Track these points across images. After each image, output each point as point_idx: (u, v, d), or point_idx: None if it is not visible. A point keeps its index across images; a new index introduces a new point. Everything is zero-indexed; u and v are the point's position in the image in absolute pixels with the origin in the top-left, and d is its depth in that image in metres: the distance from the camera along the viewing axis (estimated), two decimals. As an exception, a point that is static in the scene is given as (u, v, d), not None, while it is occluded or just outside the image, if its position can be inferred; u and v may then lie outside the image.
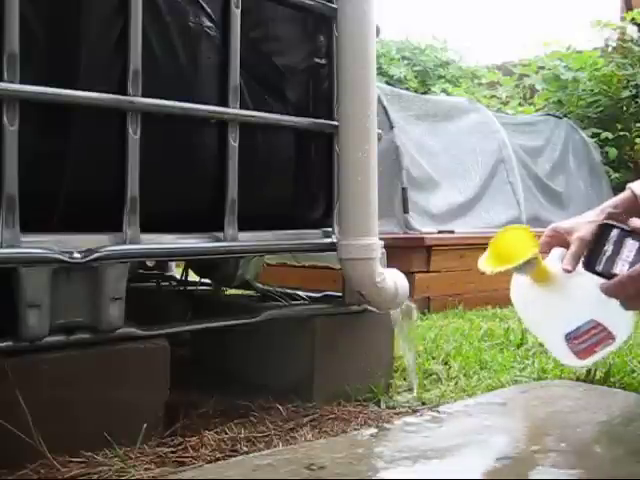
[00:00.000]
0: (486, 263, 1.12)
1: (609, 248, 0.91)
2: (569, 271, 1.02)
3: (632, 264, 0.89)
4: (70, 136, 1.05)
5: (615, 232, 0.91)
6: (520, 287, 1.15)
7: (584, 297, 1.05)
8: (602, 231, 0.91)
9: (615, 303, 0.94)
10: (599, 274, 0.91)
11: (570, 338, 1.09)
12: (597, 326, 1.05)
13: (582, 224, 1.19)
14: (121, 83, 1.08)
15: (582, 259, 0.94)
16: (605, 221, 0.93)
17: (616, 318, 1.04)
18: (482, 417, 1.08)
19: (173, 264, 2.10)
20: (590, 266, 0.91)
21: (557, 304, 1.06)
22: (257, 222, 1.31)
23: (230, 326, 1.29)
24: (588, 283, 0.99)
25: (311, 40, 1.40)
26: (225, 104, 1.22)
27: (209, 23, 1.20)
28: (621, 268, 0.89)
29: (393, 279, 1.35)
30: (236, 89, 1.23)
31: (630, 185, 1.27)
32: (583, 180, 4.03)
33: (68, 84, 1.03)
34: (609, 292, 0.91)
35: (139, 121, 1.09)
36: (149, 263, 1.98)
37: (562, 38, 5.60)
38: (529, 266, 1.08)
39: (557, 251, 1.16)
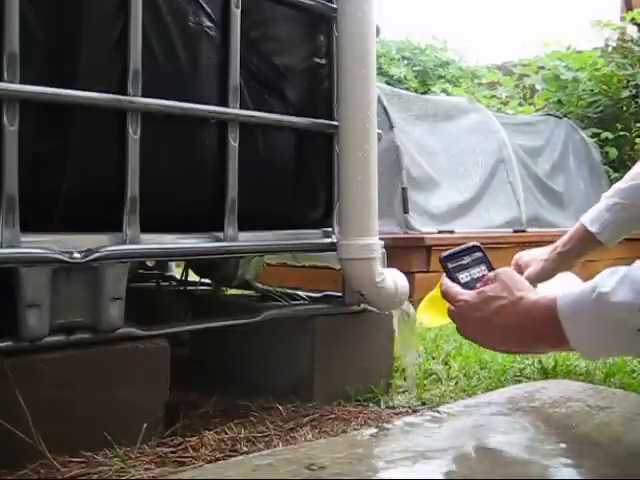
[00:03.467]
0: (424, 307, 1.23)
1: (467, 260, 1.05)
2: None
3: (471, 279, 1.03)
4: (70, 136, 1.05)
5: (478, 253, 1.06)
6: None
7: None
8: (471, 247, 1.07)
9: None
10: (446, 270, 1.03)
11: None
12: None
13: (536, 261, 1.43)
14: (121, 83, 1.08)
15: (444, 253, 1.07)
16: (475, 243, 1.08)
17: None
18: (482, 417, 1.08)
19: (173, 264, 2.10)
20: (446, 260, 1.04)
21: None
22: (257, 222, 1.31)
23: (230, 326, 1.29)
24: None
25: (311, 40, 1.40)
26: (225, 104, 1.22)
27: (209, 23, 1.20)
28: (463, 278, 1.03)
29: (393, 279, 1.35)
30: (236, 89, 1.23)
31: (582, 218, 1.38)
32: (583, 180, 4.03)
33: (68, 84, 1.03)
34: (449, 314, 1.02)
35: (139, 121, 1.09)
36: (149, 263, 1.98)
37: (562, 38, 5.60)
38: None
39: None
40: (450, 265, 1.04)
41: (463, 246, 1.07)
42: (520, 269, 1.44)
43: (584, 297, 0.84)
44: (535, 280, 1.38)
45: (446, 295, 1.01)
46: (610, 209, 1.39)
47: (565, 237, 1.44)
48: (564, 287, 0.93)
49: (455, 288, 1.00)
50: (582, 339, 0.85)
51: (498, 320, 0.93)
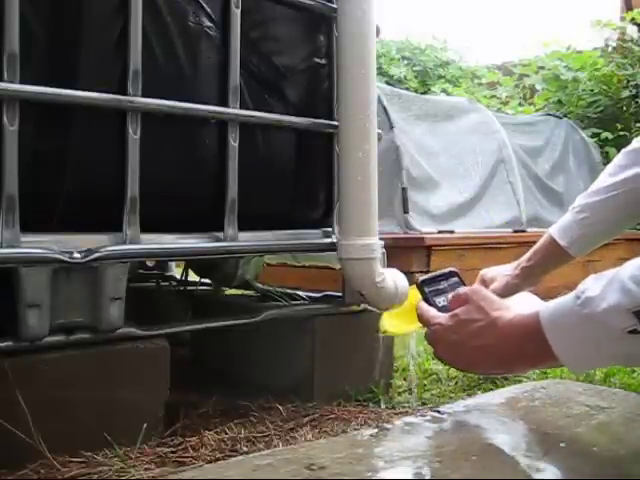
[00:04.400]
0: (390, 314, 1.26)
1: (444, 285, 1.05)
2: None
3: (448, 304, 1.01)
4: (70, 136, 1.05)
5: (455, 279, 1.07)
6: None
7: None
8: (448, 272, 1.07)
9: None
10: (424, 294, 1.03)
11: None
12: None
13: (500, 276, 1.45)
14: (121, 83, 1.08)
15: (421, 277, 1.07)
16: (452, 269, 1.08)
17: None
18: (482, 417, 1.08)
19: (173, 264, 2.10)
20: (423, 284, 1.04)
21: None
22: (257, 222, 1.31)
23: (230, 326, 1.29)
24: None
25: (311, 40, 1.40)
26: (225, 104, 1.22)
27: (209, 23, 1.20)
28: (440, 302, 1.03)
29: (393, 279, 1.35)
30: (236, 89, 1.23)
31: (550, 230, 1.38)
32: (583, 180, 4.03)
33: (68, 84, 1.03)
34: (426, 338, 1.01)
35: (139, 121, 1.09)
36: (149, 263, 1.98)
37: (562, 38, 5.62)
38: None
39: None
40: (427, 289, 1.04)
41: (440, 271, 1.07)
42: (485, 284, 1.44)
43: (568, 305, 0.81)
44: (499, 296, 1.39)
45: (421, 318, 1.00)
46: (579, 223, 1.39)
47: (529, 252, 1.44)
48: (524, 306, 0.91)
49: (430, 312, 0.99)
50: (568, 349, 0.82)
51: (476, 342, 0.91)
